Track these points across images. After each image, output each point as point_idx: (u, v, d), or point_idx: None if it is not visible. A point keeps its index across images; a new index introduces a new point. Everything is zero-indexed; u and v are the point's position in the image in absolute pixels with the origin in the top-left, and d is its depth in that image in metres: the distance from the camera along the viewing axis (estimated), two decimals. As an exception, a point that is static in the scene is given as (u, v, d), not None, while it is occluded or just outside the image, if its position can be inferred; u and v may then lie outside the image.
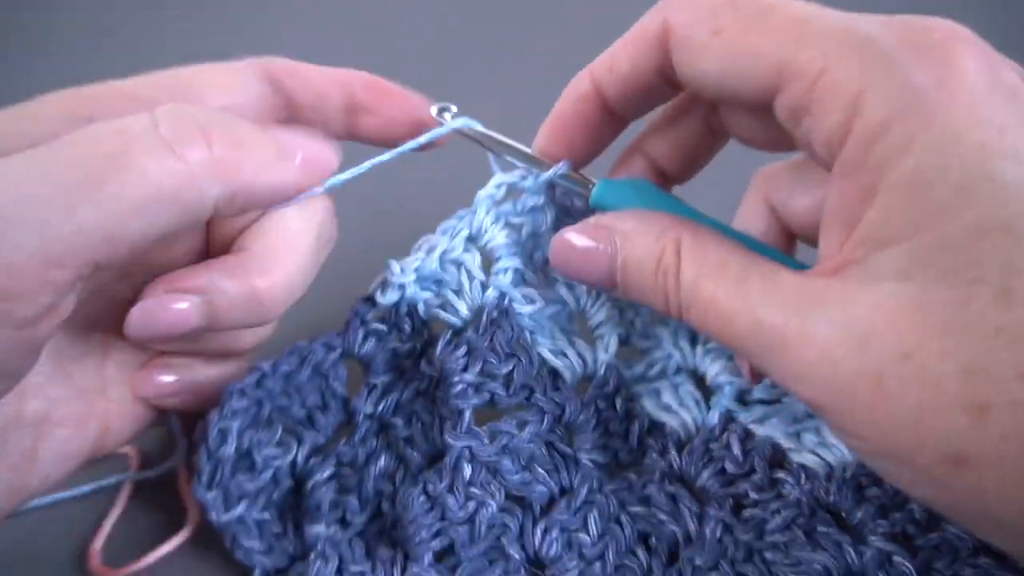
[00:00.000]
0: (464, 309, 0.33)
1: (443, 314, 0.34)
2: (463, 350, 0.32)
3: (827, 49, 0.25)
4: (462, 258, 0.34)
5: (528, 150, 0.34)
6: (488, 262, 0.34)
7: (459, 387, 0.32)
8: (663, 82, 0.30)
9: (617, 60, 0.30)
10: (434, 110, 0.34)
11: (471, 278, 0.33)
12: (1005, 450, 0.21)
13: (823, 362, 0.24)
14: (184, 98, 0.29)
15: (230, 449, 0.30)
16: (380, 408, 0.33)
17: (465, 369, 0.32)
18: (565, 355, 0.34)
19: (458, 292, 0.34)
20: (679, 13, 0.28)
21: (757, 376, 0.32)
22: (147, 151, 0.25)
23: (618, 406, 0.33)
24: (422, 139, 0.33)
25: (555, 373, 0.33)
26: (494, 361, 0.32)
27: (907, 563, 0.27)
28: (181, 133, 0.26)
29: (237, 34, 0.62)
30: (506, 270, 0.33)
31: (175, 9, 0.64)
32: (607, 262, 0.30)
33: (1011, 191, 0.22)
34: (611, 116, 0.32)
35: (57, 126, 0.27)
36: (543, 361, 0.33)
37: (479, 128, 0.34)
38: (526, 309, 0.33)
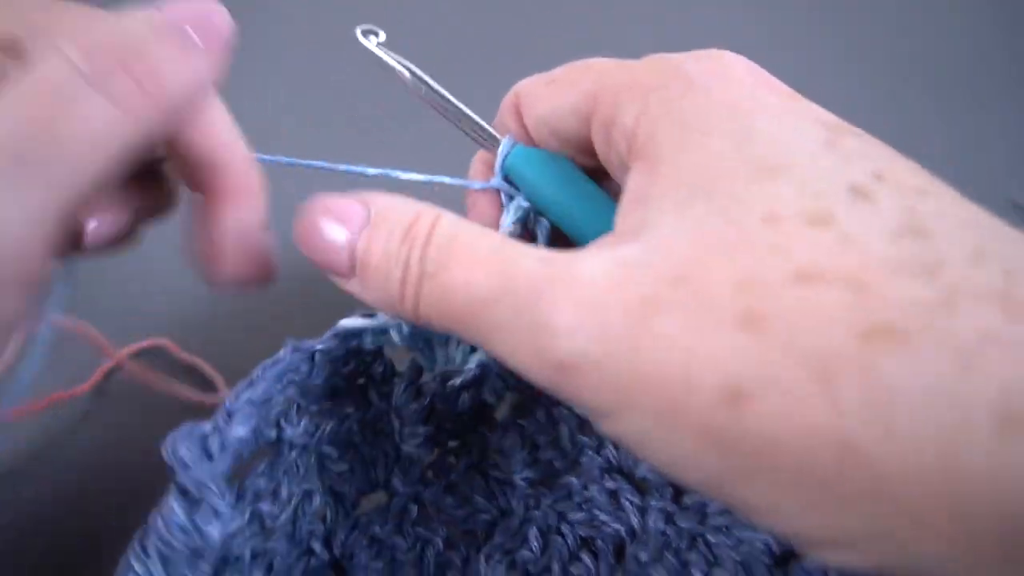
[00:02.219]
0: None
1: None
2: (425, 402, 0.29)
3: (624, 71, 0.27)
4: None
5: (476, 118, 0.31)
6: None
7: (417, 440, 0.29)
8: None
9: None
10: (359, 31, 0.31)
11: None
12: (783, 369, 0.18)
13: (584, 305, 0.20)
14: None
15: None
16: (315, 437, 0.28)
17: (424, 422, 0.29)
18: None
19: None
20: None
21: None
22: (82, 107, 0.22)
23: (539, 417, 0.32)
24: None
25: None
26: (450, 413, 0.30)
27: None
28: (104, 71, 0.23)
29: (237, 33, 0.62)
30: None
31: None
32: (357, 226, 0.25)
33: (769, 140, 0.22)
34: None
35: None
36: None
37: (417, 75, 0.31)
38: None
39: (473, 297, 0.22)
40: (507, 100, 0.31)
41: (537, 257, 0.22)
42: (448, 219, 0.24)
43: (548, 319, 0.20)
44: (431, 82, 0.31)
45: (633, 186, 0.24)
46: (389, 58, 0.31)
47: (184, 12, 0.25)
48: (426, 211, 0.24)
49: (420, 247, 0.24)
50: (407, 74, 0.31)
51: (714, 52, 0.26)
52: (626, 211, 0.23)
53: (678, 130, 0.23)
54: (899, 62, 0.56)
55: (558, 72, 0.29)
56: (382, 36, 0.31)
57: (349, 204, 0.25)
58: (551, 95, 0.28)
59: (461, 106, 0.31)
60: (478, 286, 0.22)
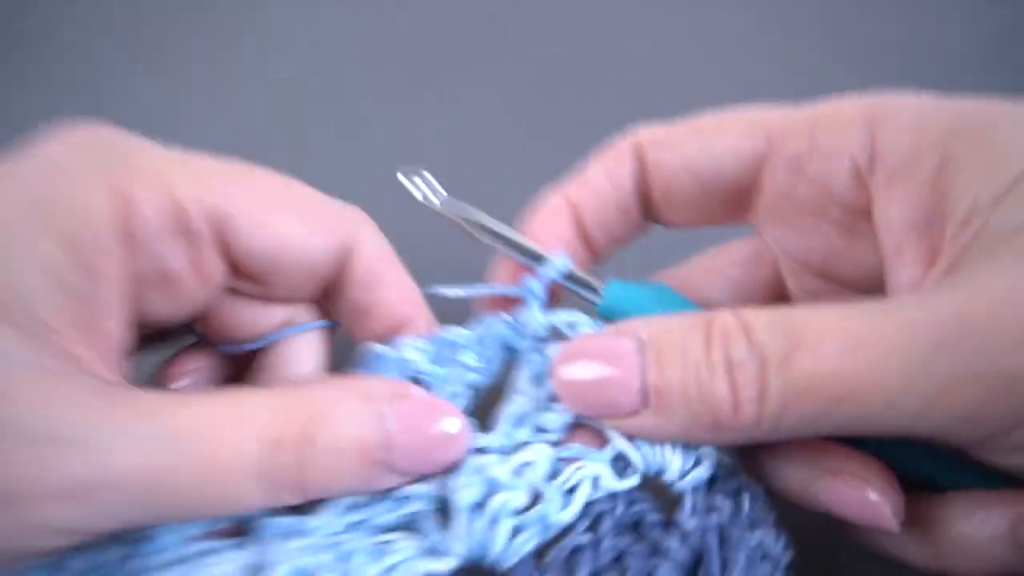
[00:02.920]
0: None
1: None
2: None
3: (810, 110, 0.27)
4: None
5: (525, 241, 0.29)
6: None
7: None
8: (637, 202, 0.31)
9: (592, 176, 0.31)
10: (401, 176, 0.30)
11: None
12: None
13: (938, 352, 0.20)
14: (255, 217, 0.26)
15: None
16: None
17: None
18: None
19: None
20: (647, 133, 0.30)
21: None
22: (255, 500, 0.23)
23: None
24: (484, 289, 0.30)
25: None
26: None
27: None
28: (283, 481, 0.23)
29: (237, 33, 0.62)
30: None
31: (175, 10, 0.64)
32: (636, 370, 0.23)
33: None
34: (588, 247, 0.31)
35: (106, 242, 0.24)
36: None
37: (475, 215, 0.30)
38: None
39: (849, 374, 0.21)
40: (550, 206, 0.30)
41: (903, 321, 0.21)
42: (752, 309, 0.23)
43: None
44: (485, 221, 0.30)
45: (913, 214, 0.24)
46: (437, 202, 0.31)
47: (411, 436, 0.25)
48: (711, 313, 0.23)
49: (743, 341, 0.22)
50: (464, 224, 0.30)
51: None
52: (920, 238, 0.24)
53: (982, 158, 0.23)
54: (899, 62, 0.56)
55: (701, 121, 0.29)
56: (427, 176, 0.31)
57: (611, 340, 0.24)
58: (700, 140, 0.29)
59: (515, 236, 0.30)
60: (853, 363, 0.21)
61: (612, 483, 0.26)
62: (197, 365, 0.31)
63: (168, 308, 0.27)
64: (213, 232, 0.26)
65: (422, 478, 0.26)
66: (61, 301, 0.23)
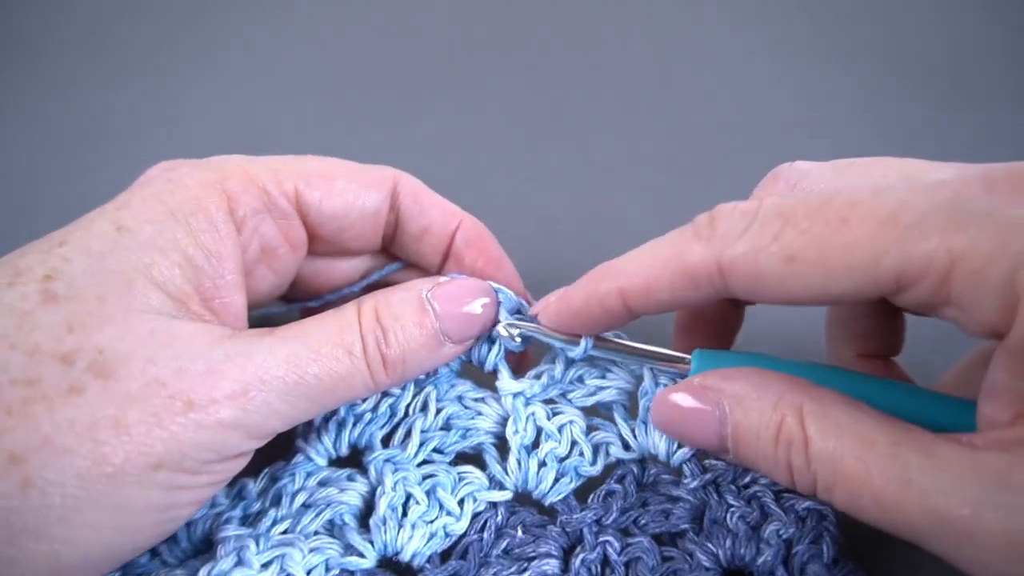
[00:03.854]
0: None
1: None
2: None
3: (944, 241, 0.23)
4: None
5: (656, 349, 0.33)
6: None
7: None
8: (711, 302, 0.29)
9: (655, 290, 0.29)
10: (504, 329, 0.34)
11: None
12: None
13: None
14: (320, 187, 0.34)
15: None
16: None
17: None
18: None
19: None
20: (734, 247, 0.26)
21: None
22: (360, 376, 0.30)
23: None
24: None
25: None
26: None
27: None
28: (373, 355, 0.31)
29: (237, 34, 0.62)
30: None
31: (175, 10, 0.64)
32: (715, 427, 0.28)
33: None
34: (636, 316, 0.31)
35: (214, 231, 0.31)
36: None
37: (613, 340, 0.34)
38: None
39: (895, 523, 0.24)
40: (608, 288, 0.30)
41: (951, 489, 0.23)
42: (817, 430, 0.26)
43: (993, 567, 0.22)
44: (613, 338, 0.33)
45: (1012, 384, 0.24)
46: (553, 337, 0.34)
47: (452, 305, 0.32)
48: (788, 413, 0.27)
49: (802, 465, 0.26)
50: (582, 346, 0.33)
51: None
52: (1005, 404, 0.24)
53: None
54: (899, 62, 0.56)
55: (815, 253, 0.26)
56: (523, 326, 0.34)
57: (698, 404, 0.29)
58: (805, 281, 0.26)
59: (643, 346, 0.33)
60: (897, 517, 0.24)
61: (620, 452, 0.34)
62: None
63: (271, 280, 0.35)
64: (294, 206, 0.34)
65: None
66: (193, 276, 0.30)
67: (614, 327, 0.32)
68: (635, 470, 0.34)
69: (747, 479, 0.32)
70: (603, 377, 0.35)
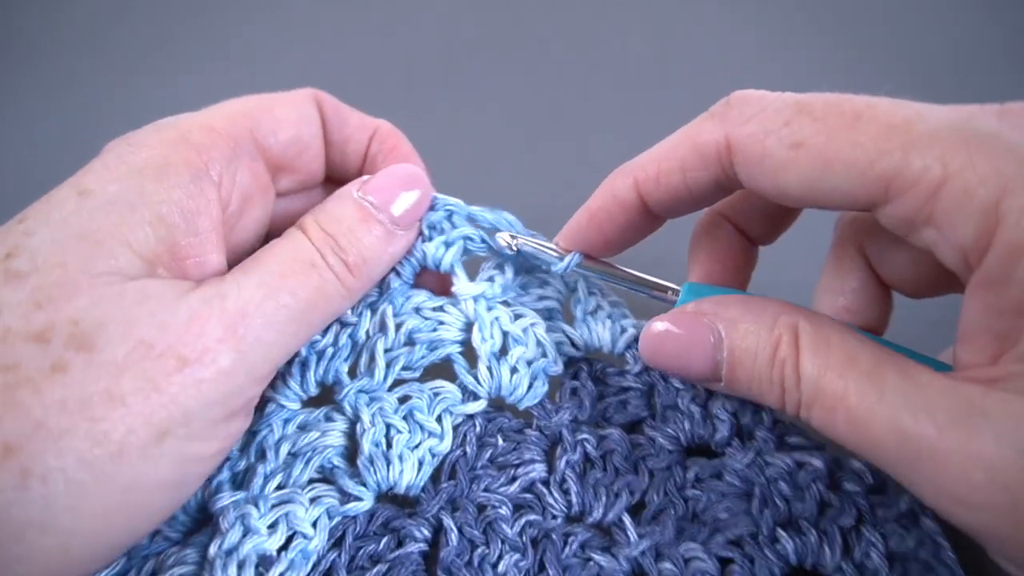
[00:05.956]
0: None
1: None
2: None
3: (944, 155, 0.23)
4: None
5: (644, 276, 0.33)
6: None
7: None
8: (718, 191, 0.29)
9: (666, 171, 0.29)
10: (504, 238, 0.34)
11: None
12: None
13: (996, 488, 0.21)
14: (259, 130, 0.33)
15: None
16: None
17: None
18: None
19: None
20: (744, 126, 0.27)
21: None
22: (331, 285, 0.31)
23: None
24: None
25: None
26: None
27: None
28: (334, 262, 0.31)
29: (237, 34, 0.62)
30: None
31: (175, 10, 0.64)
32: (709, 352, 0.28)
33: None
34: (651, 217, 0.31)
35: (187, 186, 0.30)
36: None
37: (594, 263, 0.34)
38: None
39: (861, 442, 0.24)
40: (623, 182, 0.31)
41: (921, 411, 0.23)
42: (808, 348, 0.26)
43: (950, 491, 0.22)
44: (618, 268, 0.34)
45: (988, 320, 0.23)
46: (542, 246, 0.34)
47: (385, 195, 0.33)
48: (785, 333, 0.27)
49: (792, 385, 0.26)
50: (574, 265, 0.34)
51: None
52: (983, 343, 0.24)
53: None
54: (899, 62, 0.56)
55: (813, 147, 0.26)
56: (520, 239, 0.35)
57: (693, 329, 0.29)
58: (810, 175, 0.26)
59: (631, 271, 0.34)
60: (865, 436, 0.24)
61: (571, 351, 0.35)
62: None
63: (253, 231, 0.34)
64: (253, 146, 0.33)
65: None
66: (167, 235, 0.28)
67: (628, 230, 0.32)
68: (584, 367, 0.35)
69: None
70: (542, 287, 0.36)
